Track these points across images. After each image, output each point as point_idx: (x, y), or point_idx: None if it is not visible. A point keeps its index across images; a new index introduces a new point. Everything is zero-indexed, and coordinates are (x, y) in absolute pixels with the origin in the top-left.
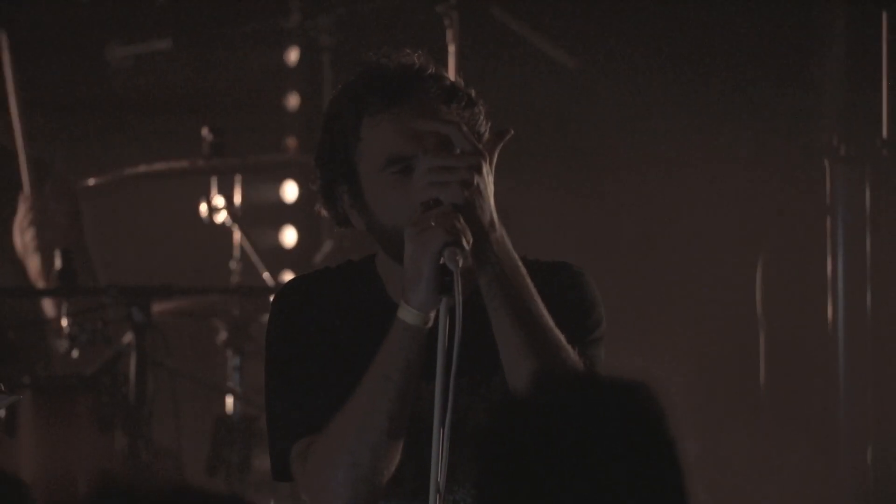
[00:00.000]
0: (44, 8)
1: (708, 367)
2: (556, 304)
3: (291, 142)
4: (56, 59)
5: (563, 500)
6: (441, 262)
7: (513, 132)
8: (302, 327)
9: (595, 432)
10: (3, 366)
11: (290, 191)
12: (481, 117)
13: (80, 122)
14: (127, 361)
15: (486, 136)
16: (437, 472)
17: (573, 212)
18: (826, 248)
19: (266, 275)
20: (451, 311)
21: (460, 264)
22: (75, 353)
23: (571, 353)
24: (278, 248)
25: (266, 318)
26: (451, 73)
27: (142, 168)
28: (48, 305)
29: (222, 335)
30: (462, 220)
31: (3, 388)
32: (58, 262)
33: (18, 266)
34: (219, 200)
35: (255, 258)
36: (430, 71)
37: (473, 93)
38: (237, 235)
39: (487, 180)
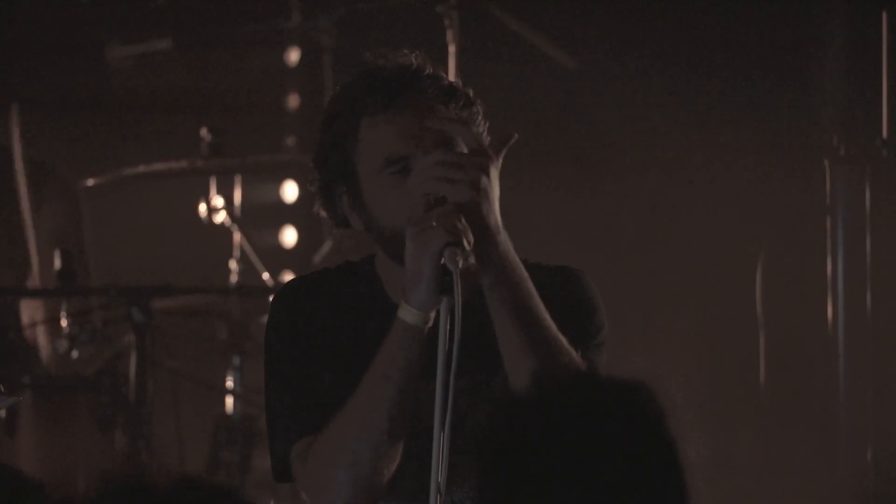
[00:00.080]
0: (44, 8)
1: (708, 366)
2: (558, 308)
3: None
4: (56, 59)
5: (563, 501)
6: (442, 262)
7: (517, 136)
8: (301, 327)
9: (595, 432)
10: (3, 366)
11: (289, 191)
12: (479, 117)
13: (79, 122)
14: (127, 361)
15: (485, 135)
16: (438, 473)
17: (573, 212)
18: (826, 249)
19: (266, 275)
20: (452, 312)
21: (461, 265)
22: (75, 354)
23: (574, 356)
24: (278, 248)
25: (266, 318)
26: (452, 73)
27: (141, 168)
28: (48, 305)
29: (222, 335)
30: (463, 220)
31: (2, 388)
32: (57, 263)
33: (19, 266)
34: (218, 200)
35: (254, 258)
36: (427, 71)
37: (471, 92)
38: (237, 235)
39: (494, 183)
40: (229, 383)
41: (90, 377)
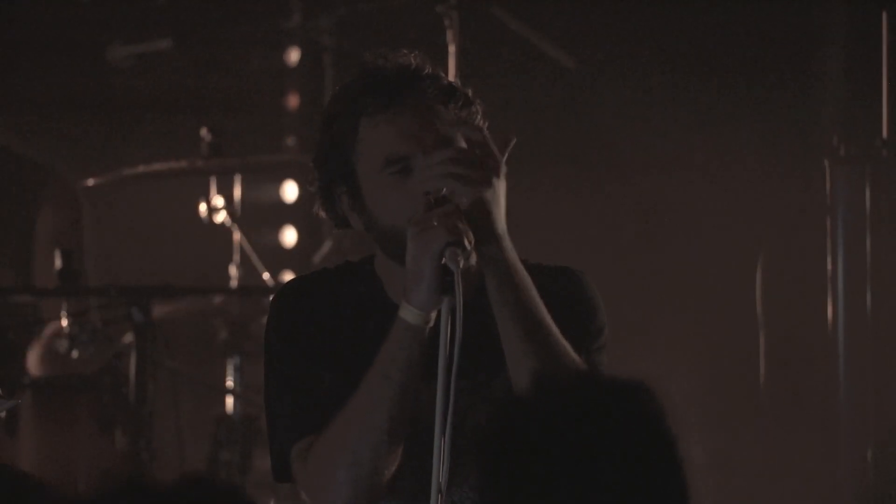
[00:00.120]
0: (44, 8)
1: (708, 366)
2: (559, 309)
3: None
4: (56, 59)
5: (563, 501)
6: (443, 261)
7: (515, 139)
8: (301, 327)
9: (596, 432)
10: (3, 366)
11: (289, 191)
12: (479, 117)
13: (79, 122)
14: (127, 361)
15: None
16: (439, 473)
17: (572, 211)
18: (826, 248)
19: (266, 275)
20: (453, 312)
21: (461, 264)
22: (75, 353)
23: (576, 360)
24: (278, 248)
25: (266, 318)
26: (452, 74)
27: (141, 168)
28: (49, 305)
29: (222, 335)
30: (464, 219)
31: (1, 392)
32: (58, 262)
33: (19, 266)
34: (218, 200)
35: (254, 258)
36: (427, 71)
37: (470, 92)
38: (237, 235)
39: (502, 187)
40: (229, 383)
41: (90, 377)
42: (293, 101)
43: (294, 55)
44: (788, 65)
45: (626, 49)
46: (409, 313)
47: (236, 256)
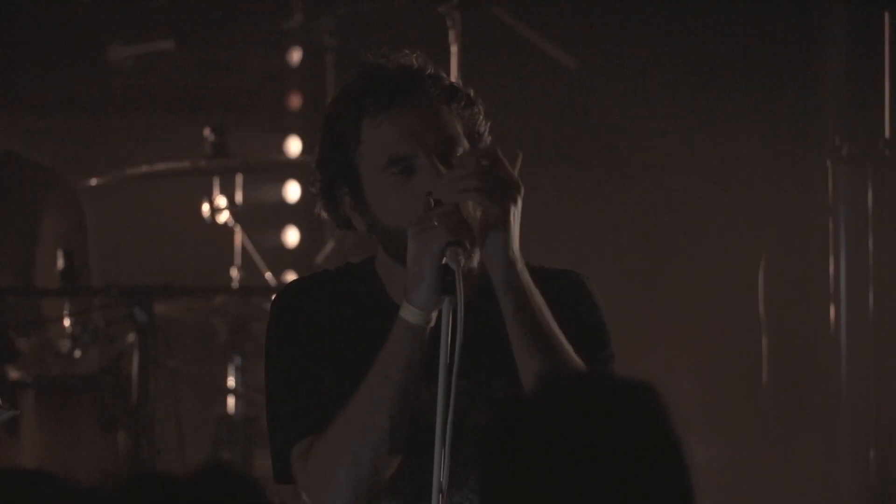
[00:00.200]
0: (45, 8)
1: (710, 367)
2: (562, 313)
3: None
4: (57, 59)
5: (564, 502)
6: (443, 261)
7: (521, 155)
8: (302, 328)
9: (598, 433)
10: (3, 366)
11: (292, 191)
12: (480, 117)
13: (81, 123)
14: (129, 361)
15: (487, 135)
16: (440, 473)
17: (573, 212)
18: (828, 249)
19: (268, 275)
20: (454, 311)
21: (462, 264)
22: (77, 353)
23: (577, 361)
24: (280, 248)
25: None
26: (453, 74)
27: (144, 168)
28: (50, 305)
29: (224, 335)
30: (468, 215)
31: (1, 403)
32: (60, 263)
33: (20, 266)
34: (221, 200)
35: (257, 258)
36: (429, 71)
37: (472, 92)
38: (239, 235)
39: (518, 214)
40: (231, 383)
41: (92, 377)
42: (295, 101)
43: (296, 55)
44: (790, 65)
45: (626, 49)
46: (409, 313)
47: (238, 256)
